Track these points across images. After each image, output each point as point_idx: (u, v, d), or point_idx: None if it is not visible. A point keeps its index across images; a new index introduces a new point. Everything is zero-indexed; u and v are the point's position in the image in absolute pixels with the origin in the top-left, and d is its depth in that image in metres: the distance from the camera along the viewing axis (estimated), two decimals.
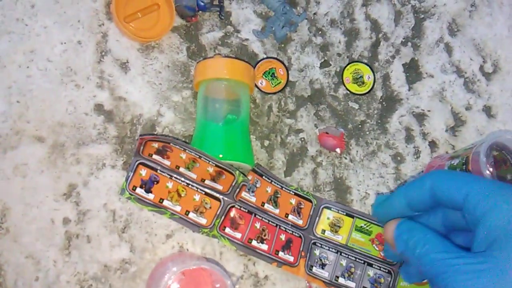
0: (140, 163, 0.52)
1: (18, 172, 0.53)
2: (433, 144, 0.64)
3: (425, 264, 0.30)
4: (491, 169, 0.52)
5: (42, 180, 0.53)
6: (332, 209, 0.57)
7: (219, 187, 0.53)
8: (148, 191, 0.52)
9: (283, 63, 0.63)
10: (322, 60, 0.65)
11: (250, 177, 0.55)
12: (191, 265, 0.44)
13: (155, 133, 0.57)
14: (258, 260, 0.55)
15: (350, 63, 0.65)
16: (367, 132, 0.63)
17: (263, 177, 0.56)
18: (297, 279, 0.55)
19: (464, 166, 0.54)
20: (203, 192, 0.53)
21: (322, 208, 0.57)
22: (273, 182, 0.57)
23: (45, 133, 0.54)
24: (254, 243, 0.53)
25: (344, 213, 0.57)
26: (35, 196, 0.52)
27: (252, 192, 0.55)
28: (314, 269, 0.55)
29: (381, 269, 0.56)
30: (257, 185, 0.55)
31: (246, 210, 0.54)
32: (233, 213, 0.54)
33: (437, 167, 0.60)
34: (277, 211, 0.56)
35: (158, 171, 0.52)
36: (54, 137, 0.54)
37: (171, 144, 0.53)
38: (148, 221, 0.54)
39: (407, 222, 0.33)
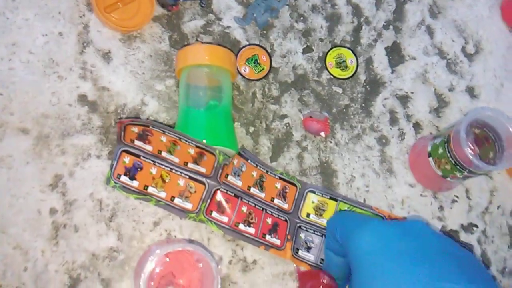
0: (124, 151, 0.53)
1: (3, 164, 0.53)
2: (417, 126, 0.65)
3: None
4: (472, 147, 0.53)
5: (27, 172, 0.53)
6: (316, 193, 0.58)
7: (203, 170, 0.54)
8: (132, 178, 0.53)
9: (265, 49, 0.64)
10: (305, 46, 0.66)
11: (236, 161, 0.56)
12: (175, 247, 0.45)
13: (133, 116, 0.58)
14: (246, 245, 0.56)
15: (333, 48, 0.66)
16: (352, 116, 0.64)
17: (249, 161, 0.57)
18: (285, 262, 0.56)
19: (446, 144, 0.55)
20: (187, 177, 0.54)
21: (307, 192, 0.58)
22: (258, 167, 0.58)
23: (29, 124, 0.55)
24: (241, 226, 0.54)
25: (328, 197, 0.58)
26: (21, 188, 0.53)
27: (238, 176, 0.55)
28: (300, 252, 0.55)
29: None
30: (243, 169, 0.56)
31: (233, 194, 0.55)
32: (219, 197, 0.54)
33: (421, 147, 0.61)
34: (263, 195, 0.56)
35: (141, 157, 0.53)
36: (38, 129, 0.55)
37: (150, 127, 0.53)
38: (135, 209, 0.55)
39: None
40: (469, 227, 0.62)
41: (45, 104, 0.56)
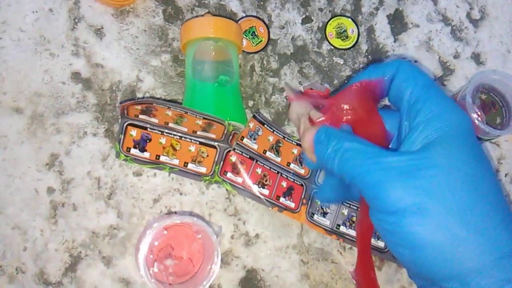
0: (129, 124, 0.53)
1: None
2: None
3: (351, 167, 0.30)
4: (479, 112, 0.52)
5: (23, 151, 0.53)
6: None
7: (212, 136, 0.55)
8: (142, 150, 0.53)
9: (263, 21, 0.63)
10: (304, 16, 0.65)
11: (251, 124, 0.56)
12: (173, 220, 0.45)
13: (135, 98, 0.58)
14: (248, 218, 0.56)
15: (333, 17, 0.65)
16: None
17: (265, 125, 0.57)
18: (288, 236, 0.56)
19: None
20: (198, 142, 0.54)
21: None
22: (275, 132, 0.58)
23: (23, 104, 0.55)
24: (255, 187, 0.54)
25: None
26: (17, 167, 0.53)
27: (254, 139, 0.56)
28: (315, 216, 0.56)
29: None
30: (259, 133, 0.57)
31: (248, 156, 0.56)
32: (234, 157, 0.55)
33: None
34: (279, 159, 0.57)
35: (148, 129, 0.53)
36: (32, 108, 0.55)
37: (153, 104, 0.53)
38: (134, 186, 0.55)
39: (327, 127, 0.34)
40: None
41: (38, 83, 0.56)
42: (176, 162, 0.54)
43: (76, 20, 0.58)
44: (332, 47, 0.64)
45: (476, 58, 0.67)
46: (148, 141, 0.54)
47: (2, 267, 0.51)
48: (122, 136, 0.53)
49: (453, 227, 0.27)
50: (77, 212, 0.53)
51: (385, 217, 0.29)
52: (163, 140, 0.54)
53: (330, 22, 0.65)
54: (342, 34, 0.65)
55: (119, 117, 0.55)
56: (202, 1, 0.62)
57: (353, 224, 0.56)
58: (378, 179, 0.28)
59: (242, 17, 0.63)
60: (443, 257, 0.27)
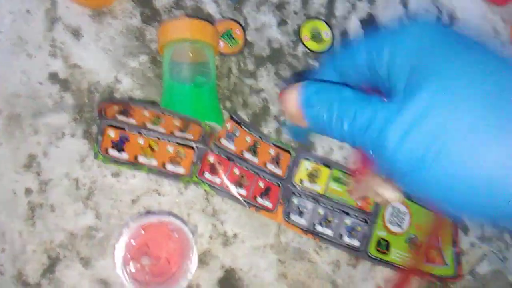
0: (108, 125, 0.54)
1: None
2: None
3: (355, 127, 0.26)
4: None
5: (0, 152, 0.54)
6: (310, 160, 0.60)
7: (190, 136, 0.56)
8: (120, 150, 0.54)
9: (239, 23, 0.65)
10: (279, 19, 0.67)
11: (229, 125, 0.57)
12: (149, 219, 0.46)
13: (113, 99, 0.58)
14: (227, 219, 0.57)
15: (307, 20, 0.67)
16: None
17: (242, 126, 0.59)
18: (266, 235, 0.58)
19: None
20: (176, 143, 0.56)
21: (301, 160, 0.60)
22: (252, 133, 0.59)
23: (0, 104, 0.55)
24: (233, 188, 0.56)
25: (322, 164, 0.60)
26: None
27: (231, 140, 0.57)
28: (292, 216, 0.58)
29: (358, 218, 0.59)
30: (236, 134, 0.58)
31: (225, 157, 0.57)
32: (211, 158, 0.56)
33: None
34: (256, 160, 0.58)
35: (127, 129, 0.54)
36: (9, 108, 0.55)
37: (131, 105, 0.54)
38: (112, 188, 0.56)
39: (313, 82, 0.28)
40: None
41: (15, 83, 0.56)
42: (154, 163, 0.55)
43: (53, 21, 0.59)
44: (307, 50, 0.67)
45: None
46: (126, 141, 0.54)
47: None
48: (101, 137, 0.54)
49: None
50: (55, 213, 0.54)
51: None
52: (141, 141, 0.55)
53: (304, 25, 0.67)
54: (316, 36, 0.67)
55: (97, 118, 0.55)
56: (179, 3, 0.64)
57: (329, 223, 0.58)
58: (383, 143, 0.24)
59: (219, 20, 0.64)
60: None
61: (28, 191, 0.54)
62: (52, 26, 0.59)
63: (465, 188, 0.23)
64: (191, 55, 0.57)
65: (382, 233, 0.59)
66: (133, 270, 0.47)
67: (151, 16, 0.63)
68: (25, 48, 0.57)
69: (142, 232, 0.49)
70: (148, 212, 0.56)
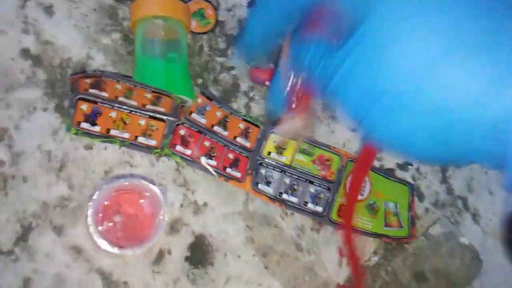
0: (79, 99, 0.53)
1: None
2: None
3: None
4: None
5: None
6: (277, 133, 0.61)
7: (161, 109, 0.55)
8: (93, 123, 0.53)
9: (211, 3, 0.65)
10: (249, 0, 0.67)
11: (200, 100, 0.57)
12: (120, 182, 0.46)
13: (85, 71, 0.58)
14: (197, 188, 0.58)
15: None
16: None
17: (213, 101, 0.59)
18: (235, 204, 0.59)
19: None
20: (147, 116, 0.55)
21: (269, 133, 0.60)
22: (223, 108, 0.59)
23: None
24: (203, 159, 0.56)
25: (289, 137, 0.61)
26: None
27: (202, 114, 0.57)
28: (259, 185, 0.58)
29: (321, 186, 0.60)
30: (207, 108, 0.58)
31: (196, 130, 0.57)
32: (183, 131, 0.56)
33: None
34: (226, 133, 0.58)
35: (99, 103, 0.53)
36: None
37: (102, 78, 0.54)
38: (84, 159, 0.55)
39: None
40: (404, 166, 0.66)
41: None
42: (126, 135, 0.55)
43: None
44: None
45: None
46: (98, 114, 0.54)
47: None
48: (73, 110, 0.53)
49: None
50: (27, 184, 0.53)
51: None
52: (113, 114, 0.54)
53: None
54: None
55: (70, 91, 0.55)
56: None
57: (294, 192, 0.59)
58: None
59: None
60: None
61: (0, 163, 0.53)
62: (25, 3, 0.57)
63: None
64: (163, 32, 0.57)
65: (343, 200, 0.60)
66: (105, 228, 0.47)
67: None
68: None
69: (114, 193, 0.49)
70: (120, 177, 0.56)
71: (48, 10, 0.58)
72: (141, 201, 0.49)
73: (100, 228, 0.46)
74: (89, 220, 0.42)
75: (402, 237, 0.60)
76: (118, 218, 0.48)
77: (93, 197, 0.43)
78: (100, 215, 0.47)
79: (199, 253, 0.56)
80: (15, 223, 0.51)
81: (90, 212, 0.42)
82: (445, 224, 0.63)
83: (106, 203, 0.48)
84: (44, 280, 0.50)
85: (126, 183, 0.46)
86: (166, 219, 0.46)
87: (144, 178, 0.53)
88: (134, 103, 0.55)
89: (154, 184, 0.49)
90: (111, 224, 0.47)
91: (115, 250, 0.43)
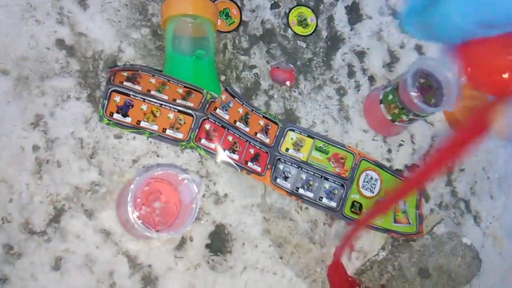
0: (113, 91, 0.56)
1: None
2: (371, 79, 0.72)
3: None
4: (417, 92, 0.59)
5: (9, 111, 0.55)
6: (295, 131, 0.64)
7: (190, 104, 0.58)
8: (125, 115, 0.56)
9: (236, 3, 0.67)
10: (273, 2, 0.69)
11: (223, 97, 0.60)
12: (162, 170, 0.48)
13: (117, 64, 0.60)
14: (219, 179, 0.61)
15: (294, 7, 0.70)
16: (314, 68, 0.70)
17: (235, 98, 0.61)
18: (253, 196, 0.62)
19: (395, 91, 0.61)
20: (176, 110, 0.58)
21: (287, 130, 0.64)
22: (244, 105, 0.62)
23: (9, 66, 0.56)
24: (226, 152, 0.59)
25: (306, 135, 0.64)
26: (3, 126, 0.54)
27: (226, 110, 0.60)
28: (278, 180, 0.61)
29: (336, 182, 0.63)
30: (230, 105, 0.61)
31: (220, 125, 0.60)
32: (208, 125, 0.59)
33: (374, 96, 0.67)
34: (247, 129, 0.61)
35: (131, 95, 0.56)
36: (18, 70, 0.56)
37: (139, 71, 0.56)
38: (114, 147, 0.58)
39: None
40: (412, 167, 0.70)
41: (24, 47, 0.57)
42: (155, 127, 0.58)
43: None
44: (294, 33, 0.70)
45: (419, 49, 0.75)
46: (130, 107, 0.57)
47: None
48: (106, 101, 0.56)
49: None
50: (61, 168, 0.55)
51: None
52: (144, 107, 0.57)
53: (292, 11, 0.70)
54: (302, 22, 0.70)
55: (105, 82, 0.57)
56: None
57: (310, 187, 0.62)
58: None
59: None
60: None
61: (35, 148, 0.55)
62: None
63: None
64: (192, 29, 0.59)
65: (356, 196, 0.64)
66: (143, 213, 0.50)
67: None
68: (33, 14, 0.58)
69: (151, 180, 0.51)
70: (158, 165, 0.58)
71: (83, 3, 0.61)
72: (179, 188, 0.51)
73: (138, 213, 0.48)
74: (129, 204, 0.45)
75: (410, 233, 0.64)
76: (158, 204, 0.51)
77: (132, 184, 0.46)
78: (138, 200, 0.50)
79: (219, 241, 0.59)
80: (48, 205, 0.54)
81: (129, 197, 0.45)
82: (449, 224, 0.66)
83: (146, 188, 0.50)
84: (75, 260, 0.53)
85: (163, 171, 0.49)
86: (198, 208, 0.49)
87: (180, 168, 0.56)
88: (165, 97, 0.57)
89: (188, 174, 0.51)
90: (149, 209, 0.50)
91: (153, 233, 0.46)
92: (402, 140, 0.70)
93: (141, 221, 0.45)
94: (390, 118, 0.64)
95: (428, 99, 0.61)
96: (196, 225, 0.58)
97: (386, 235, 0.64)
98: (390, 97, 0.62)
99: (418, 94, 0.59)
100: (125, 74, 0.55)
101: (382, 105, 0.64)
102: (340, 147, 0.65)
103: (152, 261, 0.56)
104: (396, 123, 0.64)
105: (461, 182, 0.72)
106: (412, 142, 0.71)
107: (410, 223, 0.64)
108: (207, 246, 0.58)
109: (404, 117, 0.62)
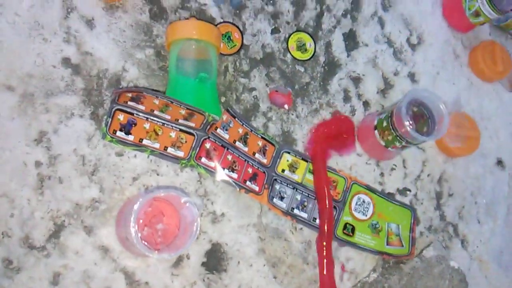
0: (117, 109, 0.57)
1: None
2: (366, 104, 0.74)
3: None
4: (410, 122, 0.61)
5: (13, 126, 0.56)
6: (291, 153, 0.65)
7: (192, 125, 0.60)
8: (127, 133, 0.57)
9: (238, 27, 0.69)
10: (273, 27, 0.72)
11: (224, 117, 0.62)
12: (164, 191, 0.49)
13: (122, 86, 0.62)
14: (216, 199, 0.62)
15: (294, 32, 0.72)
16: (311, 92, 0.72)
17: (236, 119, 0.63)
18: (250, 216, 0.63)
19: (389, 118, 0.63)
20: (178, 129, 0.59)
21: (283, 152, 0.65)
22: (244, 125, 0.64)
23: (15, 82, 0.57)
24: (226, 171, 0.60)
25: (301, 158, 0.66)
26: (7, 141, 0.55)
27: (226, 130, 0.62)
28: (274, 200, 0.63)
29: None
30: (230, 125, 0.62)
31: (220, 144, 0.61)
32: (208, 145, 0.60)
33: (368, 122, 0.70)
34: (246, 149, 0.63)
35: (135, 114, 0.58)
36: (23, 87, 0.57)
37: (143, 93, 0.58)
38: (115, 165, 0.59)
39: None
40: (403, 191, 0.72)
41: (30, 64, 0.58)
42: (157, 145, 0.59)
43: (69, 10, 0.61)
44: (293, 58, 0.72)
45: (412, 76, 0.78)
46: (133, 125, 0.58)
47: None
48: (110, 119, 0.57)
49: None
50: (62, 185, 0.56)
51: None
52: (147, 125, 0.58)
53: (291, 36, 0.72)
54: (301, 47, 0.73)
55: (110, 101, 0.58)
56: (185, 5, 0.67)
57: (304, 208, 0.64)
58: None
59: (220, 22, 0.69)
60: None
61: (38, 164, 0.56)
62: (68, 14, 0.61)
63: None
64: (196, 52, 0.61)
65: (348, 218, 0.65)
66: (145, 233, 0.51)
67: (159, 13, 0.66)
68: (41, 33, 0.59)
69: (154, 202, 0.52)
70: (160, 187, 0.59)
71: (90, 23, 0.62)
72: (181, 211, 0.52)
73: (141, 232, 0.49)
74: (132, 225, 0.46)
75: (403, 255, 0.65)
76: (161, 226, 0.52)
77: (135, 205, 0.47)
78: (141, 221, 0.51)
79: (215, 260, 0.60)
80: (48, 221, 0.55)
81: (132, 218, 0.46)
82: (437, 248, 0.68)
83: (149, 209, 0.52)
84: (73, 276, 0.54)
85: (165, 194, 0.50)
86: (199, 230, 0.50)
87: (181, 190, 0.57)
88: (168, 117, 0.59)
89: (189, 197, 0.53)
90: (151, 230, 0.51)
91: (154, 254, 0.47)
92: (394, 164, 0.72)
93: (143, 241, 0.46)
94: (383, 143, 0.66)
95: (420, 127, 0.63)
96: (193, 243, 0.59)
97: (378, 257, 0.66)
98: (385, 124, 0.64)
99: (412, 123, 0.61)
100: (130, 95, 0.56)
101: (376, 131, 0.66)
102: (332, 171, 0.67)
103: (149, 279, 0.56)
104: (389, 148, 0.66)
105: (449, 206, 0.74)
106: (404, 166, 0.73)
107: (403, 246, 0.66)
108: (203, 264, 0.59)
109: (397, 144, 0.64)
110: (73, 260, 0.54)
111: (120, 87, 0.61)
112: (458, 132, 0.74)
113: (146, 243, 0.50)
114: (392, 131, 0.63)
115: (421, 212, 0.72)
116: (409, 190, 0.72)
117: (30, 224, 0.54)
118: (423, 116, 0.64)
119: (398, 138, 0.63)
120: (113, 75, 0.62)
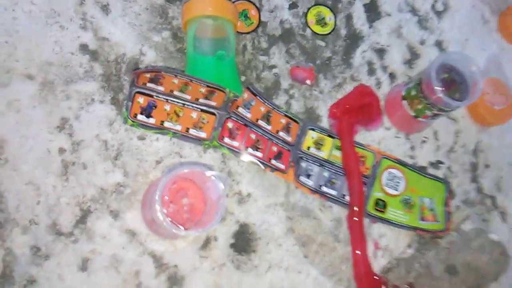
0: (137, 92, 0.56)
1: (12, 108, 0.55)
2: (392, 76, 0.70)
3: None
4: (441, 85, 0.57)
5: (35, 114, 0.55)
6: (316, 130, 0.63)
7: (213, 103, 0.58)
8: (148, 116, 0.56)
9: (255, 4, 0.67)
10: (291, 2, 0.69)
11: (246, 95, 0.60)
12: (184, 169, 0.48)
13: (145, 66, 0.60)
14: (242, 179, 0.60)
15: (312, 6, 0.70)
16: (334, 67, 0.69)
17: (257, 97, 0.61)
18: (276, 195, 0.61)
19: (418, 86, 0.60)
20: (199, 110, 0.58)
21: (308, 129, 0.63)
22: (266, 103, 0.62)
23: (34, 71, 0.56)
24: (250, 150, 0.58)
25: (326, 134, 0.63)
26: (30, 129, 0.55)
27: (248, 108, 0.60)
28: (301, 178, 0.60)
29: None
30: (252, 103, 0.60)
31: (243, 123, 0.59)
32: (230, 124, 0.58)
33: (395, 93, 0.66)
34: (269, 127, 0.61)
35: (154, 96, 0.56)
36: (43, 75, 0.57)
37: (162, 72, 0.56)
38: (138, 149, 0.58)
39: None
40: (436, 164, 0.68)
41: (48, 52, 0.58)
42: (178, 127, 0.57)
43: None
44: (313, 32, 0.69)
45: (439, 45, 0.73)
46: (154, 107, 0.57)
47: (15, 219, 0.52)
48: (130, 103, 0.56)
49: None
50: (86, 170, 0.56)
51: None
52: (167, 107, 0.57)
53: (310, 10, 0.69)
54: (321, 21, 0.70)
55: (129, 84, 0.57)
56: None
57: (333, 185, 0.61)
58: None
59: (236, 0, 0.66)
60: None
61: (61, 150, 0.56)
62: (83, 0, 0.60)
63: None
64: (213, 30, 0.59)
65: (379, 194, 0.62)
66: (171, 210, 0.49)
67: None
68: (57, 20, 0.59)
69: (179, 179, 0.51)
70: (184, 163, 0.58)
71: (105, 8, 0.61)
72: (206, 185, 0.51)
73: (165, 210, 0.48)
74: (157, 202, 0.44)
75: (438, 230, 0.62)
76: (186, 200, 0.50)
77: (160, 182, 0.46)
78: (166, 197, 0.50)
79: (243, 241, 0.58)
80: (74, 207, 0.54)
81: (157, 195, 0.44)
82: (475, 221, 0.65)
83: (173, 186, 0.50)
84: (101, 260, 0.53)
85: (189, 170, 0.48)
86: (225, 204, 0.49)
87: (207, 166, 0.55)
88: (188, 97, 0.57)
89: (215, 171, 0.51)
90: (177, 206, 0.50)
91: (181, 231, 0.45)
92: (425, 137, 0.69)
93: (169, 218, 0.45)
94: (413, 114, 0.62)
95: (452, 94, 0.59)
96: (220, 224, 0.58)
97: (412, 233, 0.63)
98: (413, 92, 0.61)
99: (443, 88, 0.57)
100: (148, 75, 0.55)
101: (405, 101, 0.63)
102: (359, 146, 0.64)
103: (177, 261, 0.55)
104: (419, 119, 0.62)
105: (486, 178, 0.70)
106: (436, 138, 0.69)
107: (437, 221, 0.62)
108: (232, 245, 0.58)
109: (428, 113, 0.60)
110: (101, 244, 0.54)
111: (138, 68, 0.60)
112: (493, 100, 0.69)
113: (173, 222, 0.48)
114: (422, 99, 0.59)
115: (456, 185, 0.68)
116: (442, 163, 0.68)
117: (57, 210, 0.54)
118: (454, 82, 0.60)
119: (429, 106, 0.59)
120: (131, 59, 0.61)
